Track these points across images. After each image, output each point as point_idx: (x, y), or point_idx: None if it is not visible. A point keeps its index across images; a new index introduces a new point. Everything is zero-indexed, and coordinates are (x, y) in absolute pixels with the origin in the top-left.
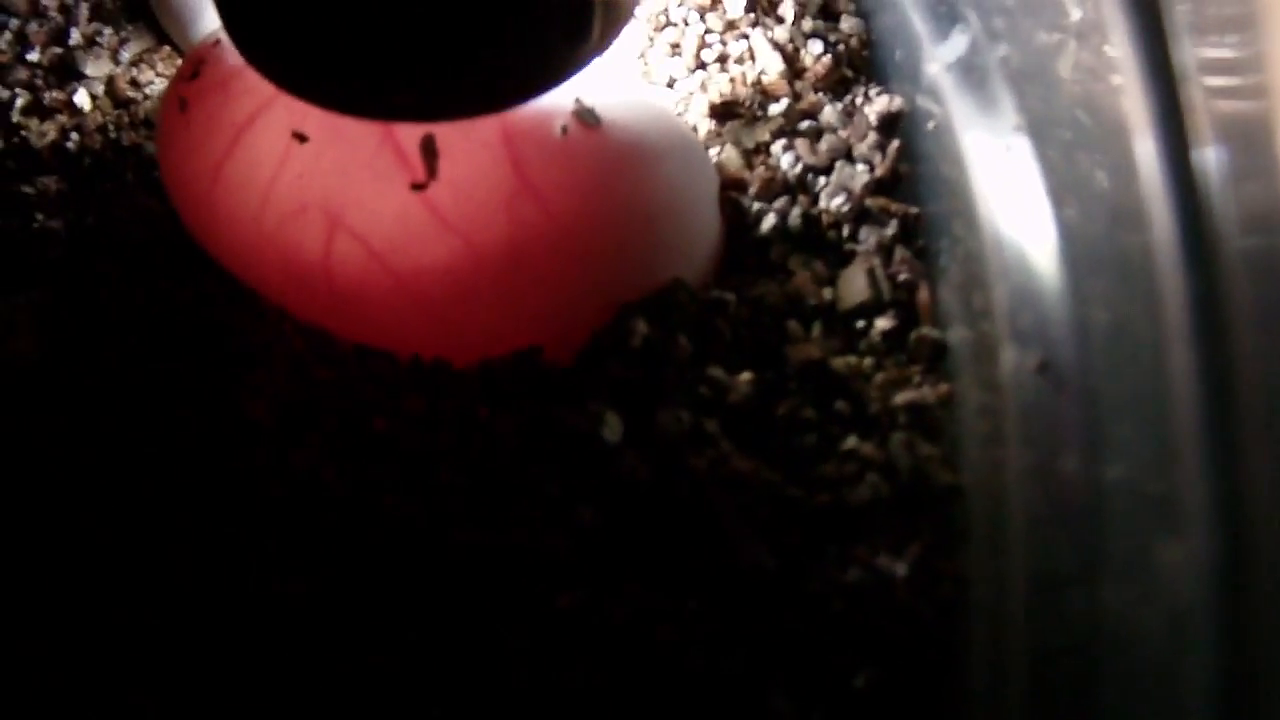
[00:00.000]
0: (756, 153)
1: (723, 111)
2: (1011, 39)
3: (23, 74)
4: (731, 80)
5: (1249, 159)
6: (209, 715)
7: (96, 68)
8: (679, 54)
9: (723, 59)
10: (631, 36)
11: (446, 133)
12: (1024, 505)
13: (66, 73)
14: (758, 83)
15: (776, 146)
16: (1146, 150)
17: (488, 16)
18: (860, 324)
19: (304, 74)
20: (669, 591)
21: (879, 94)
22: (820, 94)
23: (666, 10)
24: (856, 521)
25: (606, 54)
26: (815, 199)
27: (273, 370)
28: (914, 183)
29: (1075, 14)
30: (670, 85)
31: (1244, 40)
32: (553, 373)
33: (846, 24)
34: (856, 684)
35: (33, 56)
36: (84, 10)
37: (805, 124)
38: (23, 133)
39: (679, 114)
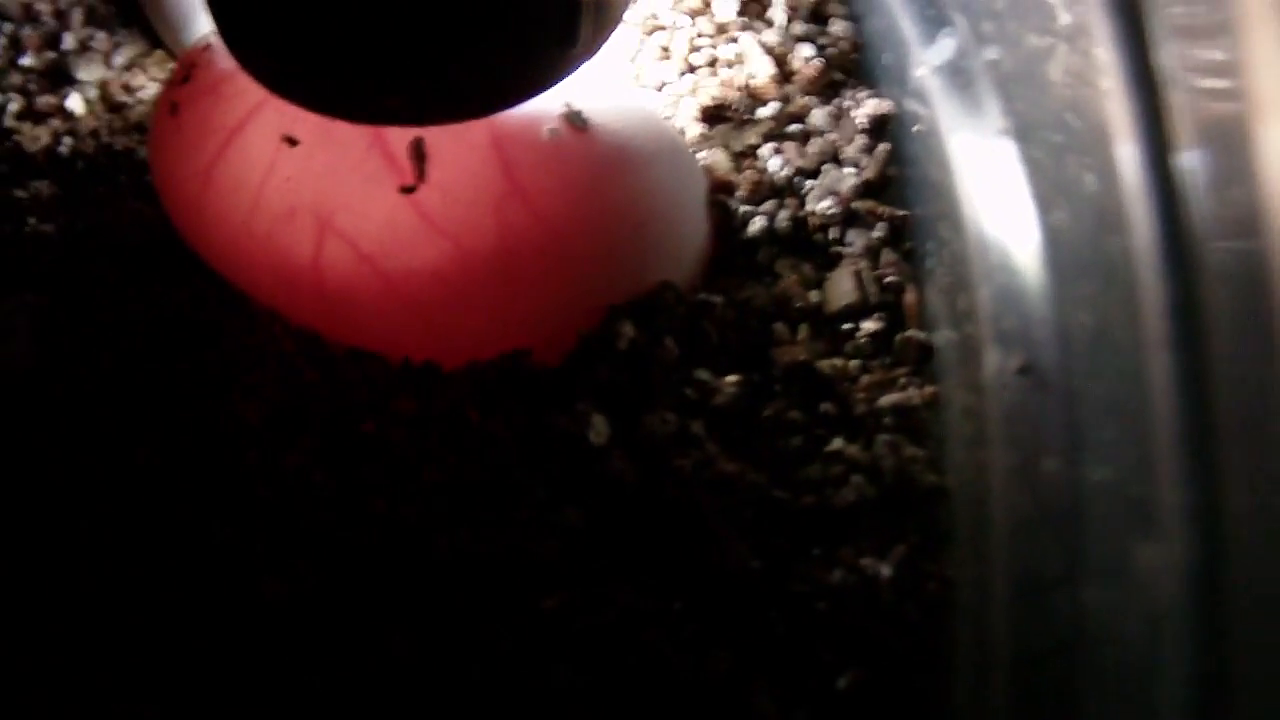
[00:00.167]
0: (745, 156)
1: (712, 115)
2: (998, 43)
3: (16, 79)
4: (721, 84)
5: (1229, 163)
6: (200, 715)
7: (89, 72)
8: (669, 57)
9: (712, 62)
10: (621, 40)
11: (436, 136)
12: (1007, 507)
13: (59, 77)
14: (747, 86)
15: (765, 149)
16: (1128, 155)
17: (476, 21)
18: (847, 326)
19: (294, 77)
20: (655, 592)
21: (868, 97)
22: (809, 97)
23: (656, 14)
24: (842, 523)
25: (596, 58)
26: (803, 202)
27: (264, 372)
28: (902, 186)
29: (1061, 19)
30: (660, 89)
31: (1224, 45)
32: (541, 375)
33: (836, 27)
34: (841, 684)
35: (26, 61)
36: (77, 15)
37: (794, 127)
38: (15, 137)
39: (668, 117)
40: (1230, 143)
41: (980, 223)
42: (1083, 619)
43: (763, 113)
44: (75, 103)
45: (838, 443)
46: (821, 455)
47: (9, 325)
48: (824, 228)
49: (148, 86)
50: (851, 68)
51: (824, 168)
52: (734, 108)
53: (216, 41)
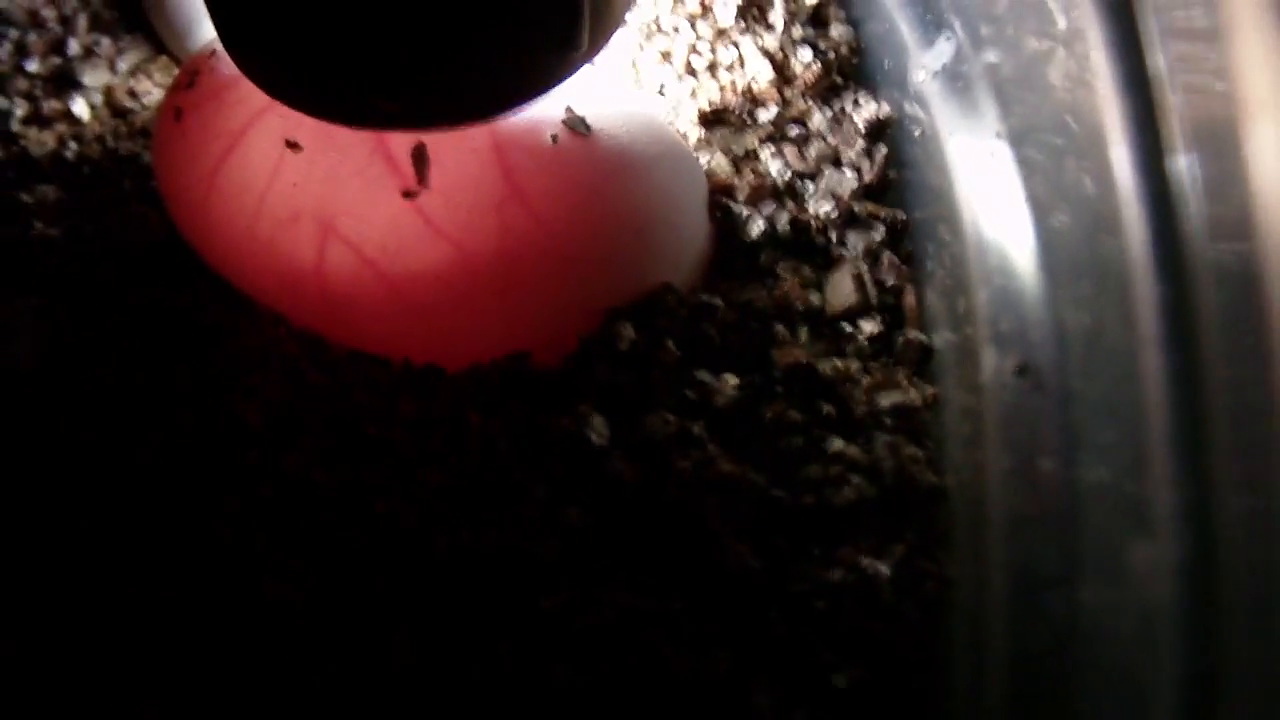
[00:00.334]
0: (746, 159)
1: (712, 118)
2: (995, 47)
3: (22, 84)
4: (721, 87)
5: (1222, 167)
6: (201, 714)
7: (94, 78)
8: (669, 61)
9: (713, 66)
10: (622, 44)
11: (437, 141)
12: (1004, 507)
13: (65, 83)
14: (747, 90)
15: (765, 153)
16: (1122, 158)
17: (478, 25)
18: (847, 328)
19: (296, 83)
20: (655, 592)
21: (867, 101)
22: (809, 101)
23: (657, 18)
24: (841, 523)
25: (597, 62)
26: (803, 205)
27: (266, 374)
28: (901, 188)
29: (1058, 23)
30: (660, 92)
31: (1217, 49)
32: (542, 377)
33: (836, 31)
34: (839, 683)
35: (32, 67)
36: (82, 21)
37: (794, 130)
38: (21, 142)
39: (669, 121)
40: (1223, 146)
41: (979, 225)
42: (1078, 617)
43: (763, 116)
44: (80, 108)
45: (838, 443)
46: (821, 456)
47: (13, 327)
48: (824, 230)
49: (152, 92)
50: (851, 71)
51: (824, 171)
52: (734, 111)
53: (220, 47)
